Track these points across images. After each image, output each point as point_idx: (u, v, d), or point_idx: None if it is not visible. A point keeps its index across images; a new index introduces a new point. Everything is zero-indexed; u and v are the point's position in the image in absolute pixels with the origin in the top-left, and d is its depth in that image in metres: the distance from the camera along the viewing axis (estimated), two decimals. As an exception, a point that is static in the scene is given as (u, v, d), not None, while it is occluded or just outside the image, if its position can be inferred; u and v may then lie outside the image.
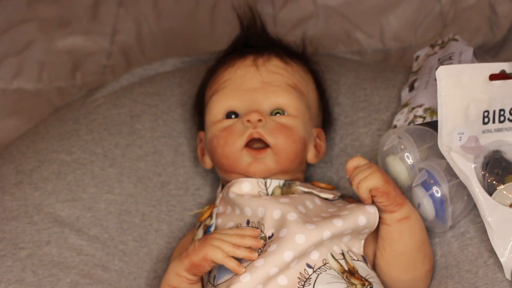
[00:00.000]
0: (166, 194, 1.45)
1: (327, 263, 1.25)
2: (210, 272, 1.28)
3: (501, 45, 1.80)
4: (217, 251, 1.21)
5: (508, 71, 1.30)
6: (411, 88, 1.43)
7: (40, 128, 1.50)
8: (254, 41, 1.44)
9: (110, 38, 1.93)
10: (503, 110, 1.29)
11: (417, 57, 1.50)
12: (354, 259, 1.27)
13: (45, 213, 1.37)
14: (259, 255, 1.23)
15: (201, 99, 1.46)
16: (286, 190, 1.33)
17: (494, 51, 1.79)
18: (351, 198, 1.40)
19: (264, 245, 1.25)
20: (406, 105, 1.40)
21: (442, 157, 1.28)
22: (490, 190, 1.27)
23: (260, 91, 1.37)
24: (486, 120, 1.29)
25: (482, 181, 1.27)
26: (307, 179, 1.45)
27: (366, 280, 1.25)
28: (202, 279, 1.29)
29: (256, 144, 1.34)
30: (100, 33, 1.93)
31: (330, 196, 1.33)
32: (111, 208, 1.40)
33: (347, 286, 1.23)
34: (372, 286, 1.25)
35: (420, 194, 1.28)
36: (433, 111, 1.33)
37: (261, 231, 1.27)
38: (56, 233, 1.35)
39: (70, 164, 1.42)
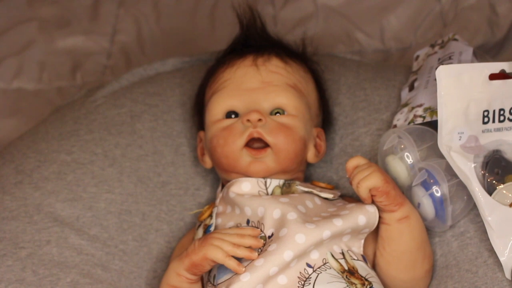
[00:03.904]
0: (166, 194, 1.45)
1: (327, 262, 1.25)
2: (210, 271, 1.28)
3: (501, 45, 1.80)
4: (217, 251, 1.21)
5: (508, 70, 1.30)
6: (411, 87, 1.43)
7: (40, 128, 1.50)
8: (254, 41, 1.44)
9: (110, 38, 1.93)
10: (503, 109, 1.29)
11: (417, 57, 1.50)
12: (354, 259, 1.27)
13: (45, 212, 1.37)
14: (259, 254, 1.23)
15: (201, 99, 1.46)
16: (286, 189, 1.33)
17: (494, 51, 1.79)
18: (351, 197, 1.40)
19: (264, 244, 1.25)
20: (406, 104, 1.40)
21: (442, 156, 1.28)
22: (490, 190, 1.27)
23: (260, 90, 1.37)
24: (486, 119, 1.29)
25: (482, 181, 1.27)
26: (307, 179, 1.45)
27: (366, 280, 1.25)
28: (202, 279, 1.29)
29: (256, 144, 1.34)
30: (100, 33, 1.93)
31: (330, 196, 1.33)
32: (111, 207, 1.40)
33: (347, 286, 1.23)
34: (372, 285, 1.25)
35: (420, 194, 1.28)
36: (433, 110, 1.33)
37: (261, 230, 1.26)
38: (56, 233, 1.35)
39: (70, 164, 1.42)
